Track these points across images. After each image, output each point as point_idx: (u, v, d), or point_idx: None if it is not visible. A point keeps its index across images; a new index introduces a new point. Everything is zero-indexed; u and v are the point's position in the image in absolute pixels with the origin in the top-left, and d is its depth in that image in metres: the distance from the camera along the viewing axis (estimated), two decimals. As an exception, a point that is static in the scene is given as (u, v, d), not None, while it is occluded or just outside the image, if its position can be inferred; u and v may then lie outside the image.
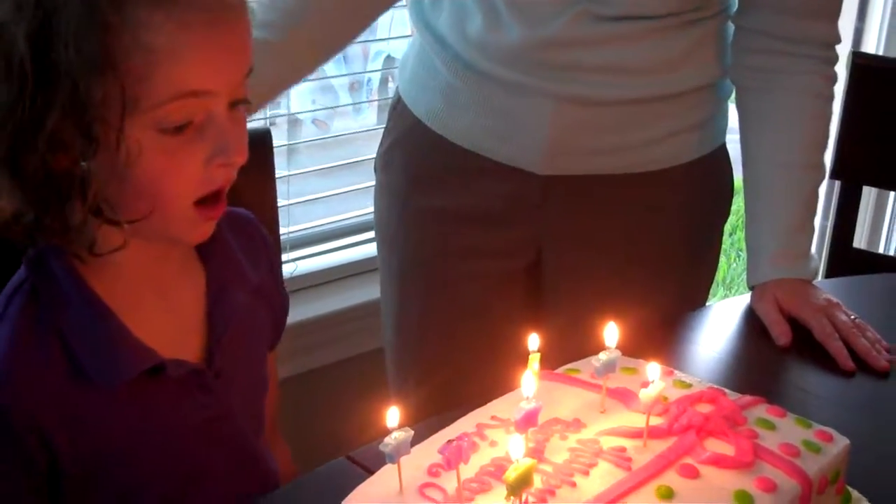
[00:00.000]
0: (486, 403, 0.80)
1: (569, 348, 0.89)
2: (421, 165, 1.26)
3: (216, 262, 0.92)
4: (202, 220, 0.84)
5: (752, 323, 1.18)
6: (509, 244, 1.26)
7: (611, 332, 0.80)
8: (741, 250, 3.30)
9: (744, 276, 3.55)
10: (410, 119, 1.27)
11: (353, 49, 1.91)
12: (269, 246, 1.02)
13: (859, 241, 2.06)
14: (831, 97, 1.22)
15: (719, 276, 3.06)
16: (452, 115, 1.24)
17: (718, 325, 1.22)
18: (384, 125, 1.34)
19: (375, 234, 1.36)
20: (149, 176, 0.79)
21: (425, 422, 0.70)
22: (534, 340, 0.79)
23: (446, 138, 1.25)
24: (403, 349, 1.36)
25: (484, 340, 1.30)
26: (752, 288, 1.22)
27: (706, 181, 1.27)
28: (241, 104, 0.84)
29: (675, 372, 0.86)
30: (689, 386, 0.83)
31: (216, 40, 0.79)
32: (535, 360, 0.77)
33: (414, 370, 1.35)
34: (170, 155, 0.79)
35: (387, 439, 0.66)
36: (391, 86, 1.96)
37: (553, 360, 0.83)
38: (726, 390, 0.83)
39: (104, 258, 0.82)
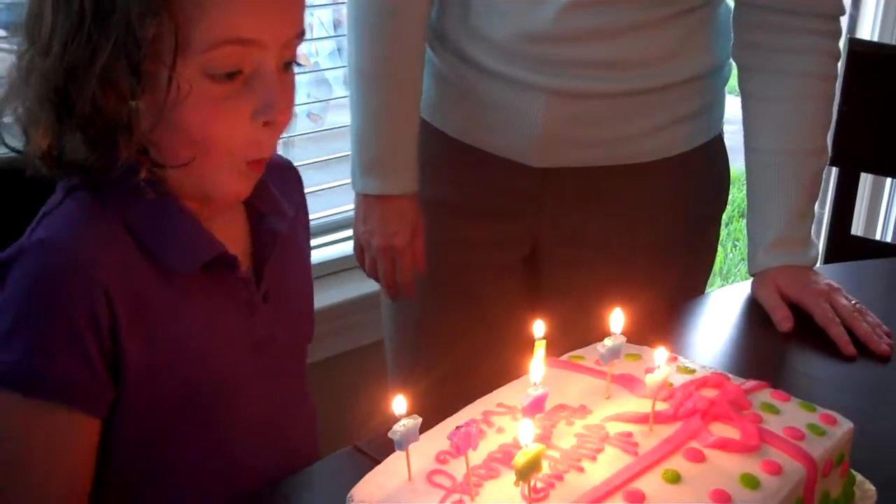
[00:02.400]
0: (490, 392, 0.80)
1: (566, 339, 0.89)
2: (417, 158, 1.26)
3: (254, 194, 0.92)
4: (243, 174, 0.86)
5: (753, 309, 1.18)
6: (506, 236, 1.27)
7: (615, 319, 0.81)
8: (737, 240, 3.30)
9: (740, 266, 3.55)
10: None
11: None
12: (301, 186, 1.05)
13: (856, 227, 2.06)
14: (835, 77, 1.21)
15: (716, 266, 3.07)
16: (448, 108, 1.25)
17: (718, 313, 1.22)
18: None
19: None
20: (194, 121, 0.81)
21: (432, 410, 0.70)
22: (539, 327, 0.79)
23: (442, 131, 1.25)
24: (403, 341, 1.36)
25: (482, 332, 1.30)
26: (753, 275, 1.22)
27: (702, 171, 1.27)
28: (291, 66, 0.86)
29: (679, 358, 0.86)
30: (693, 371, 0.83)
31: None
32: (540, 347, 0.77)
33: (414, 362, 1.35)
34: (216, 103, 0.82)
35: (395, 426, 0.66)
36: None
37: (551, 350, 0.83)
38: (730, 375, 0.83)
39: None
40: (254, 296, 0.92)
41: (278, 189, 0.96)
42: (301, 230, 1.04)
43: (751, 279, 1.23)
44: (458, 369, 1.26)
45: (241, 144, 0.84)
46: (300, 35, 0.86)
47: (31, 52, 0.82)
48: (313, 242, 1.78)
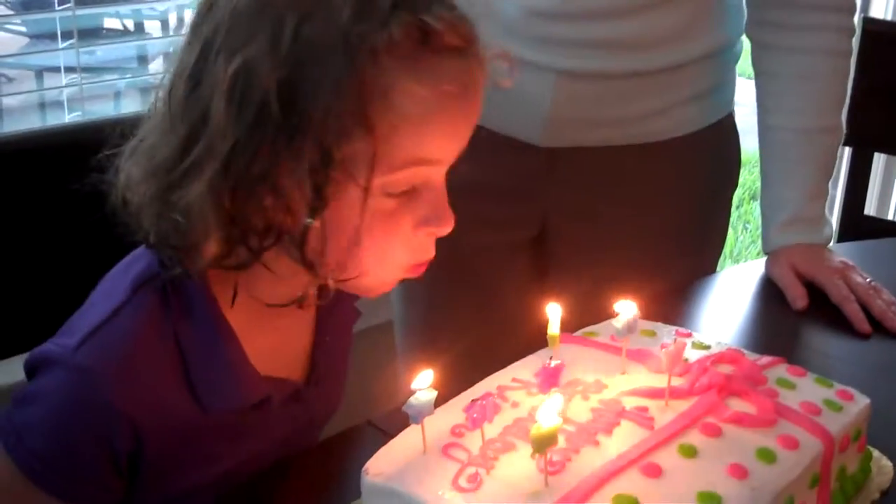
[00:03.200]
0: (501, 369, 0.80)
1: (576, 319, 0.89)
2: None
3: None
4: (399, 277, 0.83)
5: (765, 288, 1.18)
6: (514, 216, 1.26)
7: (628, 296, 0.80)
8: (748, 223, 3.30)
9: (751, 248, 3.55)
10: None
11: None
12: None
13: (869, 207, 2.05)
14: (849, 52, 1.20)
15: (726, 248, 3.06)
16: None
17: (731, 291, 1.22)
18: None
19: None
20: (363, 235, 0.76)
21: (443, 390, 0.70)
22: (553, 305, 0.78)
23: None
24: (412, 322, 1.36)
25: (492, 311, 1.30)
26: (767, 254, 1.21)
27: (713, 150, 1.26)
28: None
29: (694, 334, 0.86)
30: (708, 347, 0.83)
31: (462, 113, 0.78)
32: (555, 322, 0.77)
33: (423, 343, 1.35)
34: (385, 217, 0.77)
35: (411, 400, 0.66)
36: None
37: (562, 330, 0.82)
38: (745, 351, 0.83)
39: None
40: (301, 390, 0.88)
41: None
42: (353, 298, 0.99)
43: (763, 258, 1.22)
44: (469, 349, 1.26)
45: (403, 253, 0.80)
46: None
47: (194, 149, 0.73)
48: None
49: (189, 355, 0.80)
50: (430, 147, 0.77)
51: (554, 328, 0.77)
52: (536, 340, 0.81)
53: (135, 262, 0.82)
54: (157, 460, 0.81)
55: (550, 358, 0.75)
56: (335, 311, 0.91)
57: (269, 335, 0.85)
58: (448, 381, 0.81)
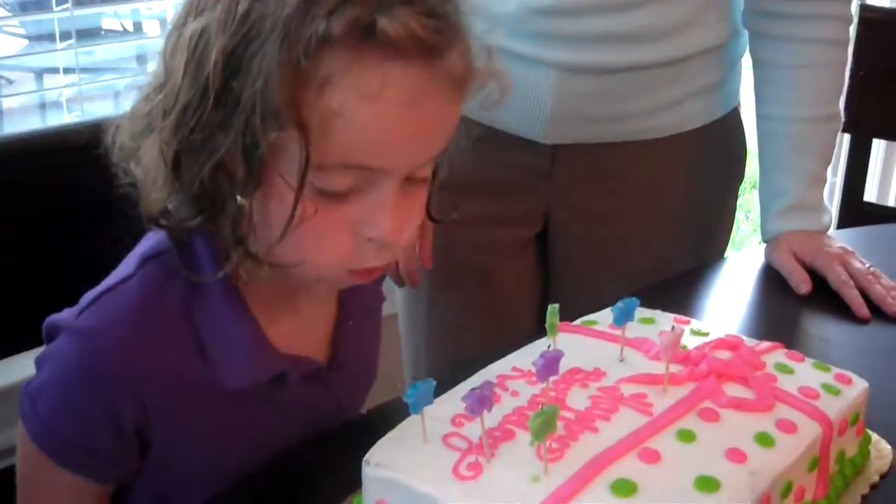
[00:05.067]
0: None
1: (579, 314, 0.89)
2: None
3: None
4: (346, 282, 0.81)
5: (765, 275, 1.18)
6: (517, 213, 1.26)
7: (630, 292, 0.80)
8: (749, 211, 3.29)
9: (752, 237, 3.52)
10: None
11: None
12: None
13: (869, 194, 2.05)
14: (846, 41, 1.20)
15: (728, 237, 3.05)
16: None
17: (731, 278, 1.22)
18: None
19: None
20: (298, 229, 0.73)
21: (444, 382, 0.70)
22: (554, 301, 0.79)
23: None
24: (414, 317, 1.36)
25: (494, 308, 1.30)
26: (766, 241, 1.21)
27: (718, 146, 1.25)
28: (419, 182, 0.77)
29: (692, 321, 0.86)
30: (707, 334, 0.83)
31: (407, 124, 0.72)
32: (554, 313, 0.77)
33: (425, 337, 1.35)
34: (321, 213, 0.73)
35: (409, 390, 0.66)
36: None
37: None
38: (744, 337, 0.83)
39: None
40: (322, 373, 0.87)
41: None
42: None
43: (763, 245, 1.22)
44: (471, 345, 1.26)
45: (339, 254, 0.76)
46: (442, 151, 0.77)
47: (157, 106, 0.74)
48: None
49: (202, 327, 0.80)
50: (366, 153, 0.71)
51: (553, 317, 0.77)
52: (538, 335, 0.81)
53: (144, 242, 0.83)
54: (168, 434, 0.81)
55: (549, 346, 0.76)
56: (359, 294, 0.90)
57: (288, 315, 0.85)
58: (450, 373, 0.81)
